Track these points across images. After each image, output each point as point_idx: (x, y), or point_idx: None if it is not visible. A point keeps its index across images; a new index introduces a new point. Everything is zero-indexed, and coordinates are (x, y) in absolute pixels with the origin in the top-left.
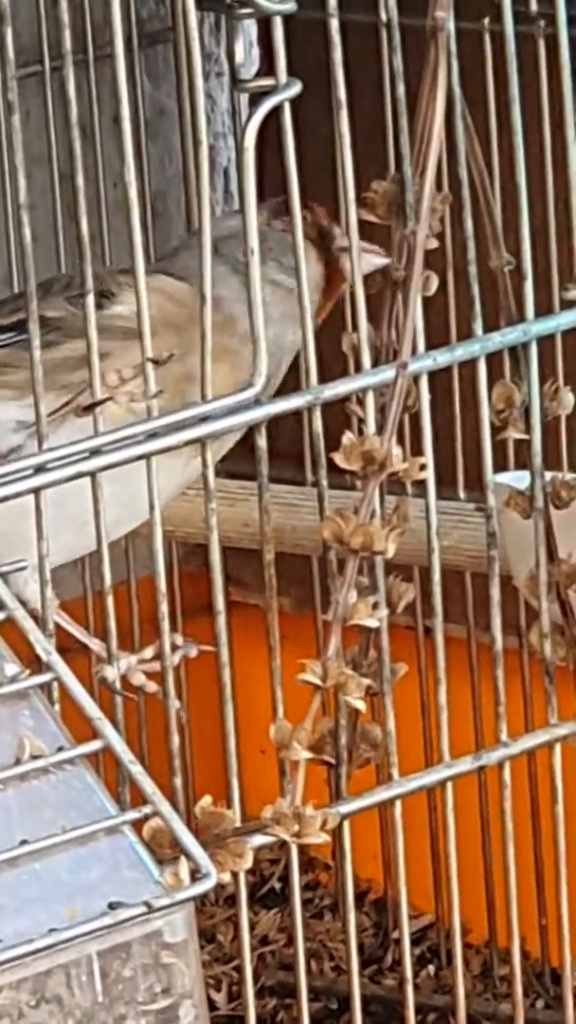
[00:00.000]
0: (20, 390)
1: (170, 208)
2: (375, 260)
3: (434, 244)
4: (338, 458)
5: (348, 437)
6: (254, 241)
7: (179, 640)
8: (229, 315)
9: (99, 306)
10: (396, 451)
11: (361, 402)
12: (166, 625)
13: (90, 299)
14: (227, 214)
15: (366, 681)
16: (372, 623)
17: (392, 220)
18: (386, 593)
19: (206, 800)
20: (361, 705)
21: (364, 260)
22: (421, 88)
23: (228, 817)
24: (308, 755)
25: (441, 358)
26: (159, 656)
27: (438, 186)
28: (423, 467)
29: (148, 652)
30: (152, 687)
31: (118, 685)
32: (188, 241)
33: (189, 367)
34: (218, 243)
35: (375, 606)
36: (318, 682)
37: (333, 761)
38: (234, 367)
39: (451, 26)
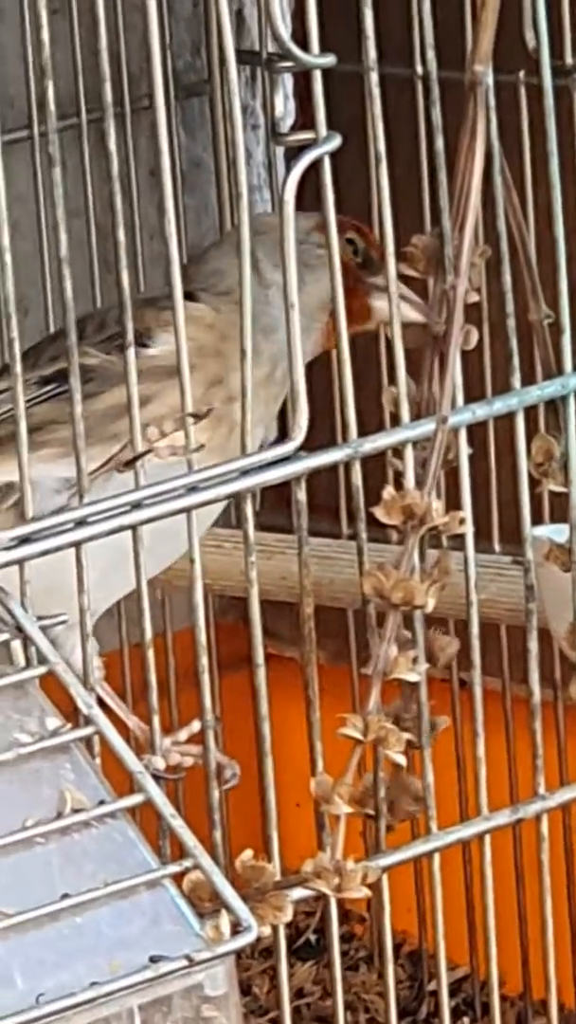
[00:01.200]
0: (67, 447)
1: None
2: (411, 314)
3: (474, 298)
4: (379, 512)
5: (388, 492)
6: (294, 295)
7: (224, 759)
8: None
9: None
10: (436, 505)
11: (400, 455)
12: (206, 679)
13: (131, 351)
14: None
15: (407, 735)
16: (413, 677)
17: (432, 274)
18: (427, 647)
19: (247, 854)
20: (402, 759)
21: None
22: (460, 142)
23: (268, 871)
24: (349, 810)
25: (480, 411)
26: (193, 738)
27: (476, 240)
28: (463, 521)
29: (183, 734)
30: (189, 761)
31: (163, 768)
32: (219, 244)
33: (230, 389)
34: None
35: (415, 660)
36: (359, 736)
37: (374, 814)
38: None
39: (489, 80)
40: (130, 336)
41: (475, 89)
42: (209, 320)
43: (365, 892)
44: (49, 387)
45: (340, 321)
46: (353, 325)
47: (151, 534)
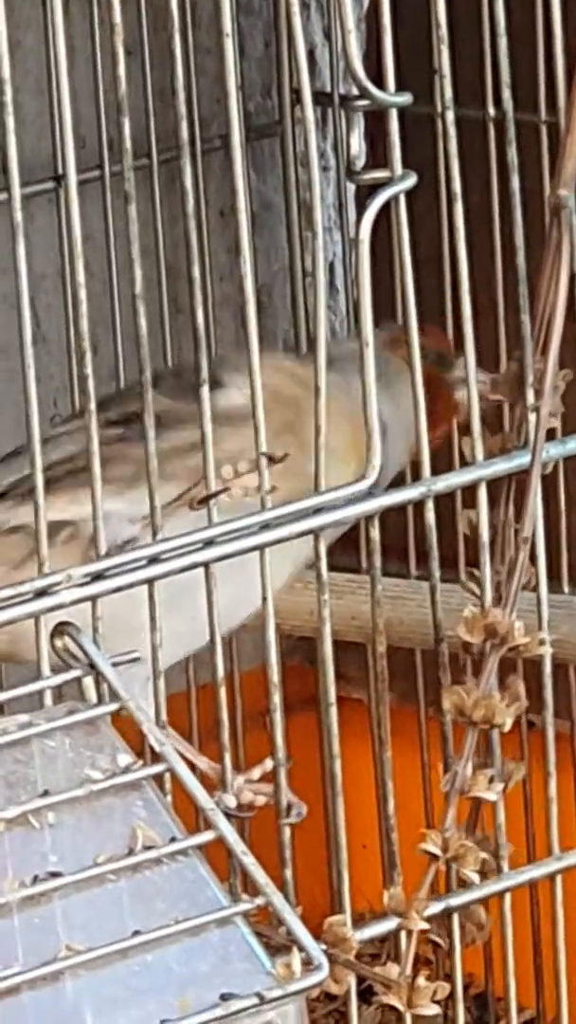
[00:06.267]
0: (122, 483)
1: (275, 301)
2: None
3: (555, 423)
4: (460, 631)
5: (470, 610)
6: (369, 335)
7: (293, 798)
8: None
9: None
10: (518, 625)
11: (474, 502)
12: (278, 716)
13: (205, 390)
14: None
15: (483, 855)
16: (491, 796)
17: (516, 400)
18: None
19: (338, 919)
20: (476, 878)
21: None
22: (543, 265)
23: (350, 942)
24: (425, 926)
25: (553, 451)
26: (264, 777)
27: None
28: (543, 642)
29: (256, 772)
30: (262, 800)
31: (234, 806)
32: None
33: (301, 436)
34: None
35: (492, 780)
36: (437, 852)
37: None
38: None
39: (572, 203)
40: (204, 374)
41: (559, 213)
42: (302, 376)
43: (436, 1010)
44: (115, 431)
45: (414, 357)
46: (445, 424)
47: (224, 595)
